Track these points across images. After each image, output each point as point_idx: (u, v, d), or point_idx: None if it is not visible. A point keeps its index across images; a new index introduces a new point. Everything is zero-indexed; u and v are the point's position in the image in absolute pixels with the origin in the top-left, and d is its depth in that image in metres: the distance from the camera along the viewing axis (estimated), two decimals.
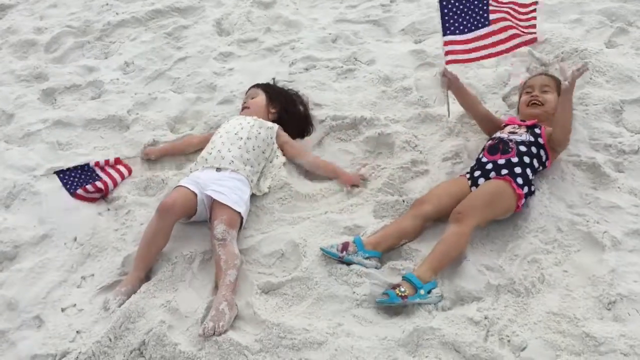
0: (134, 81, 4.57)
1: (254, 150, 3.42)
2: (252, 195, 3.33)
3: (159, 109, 4.20)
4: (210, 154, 3.38)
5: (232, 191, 3.17)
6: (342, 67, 4.25)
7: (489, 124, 3.42)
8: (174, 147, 3.83)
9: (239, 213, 3.11)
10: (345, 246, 2.85)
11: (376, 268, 2.83)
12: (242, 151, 3.37)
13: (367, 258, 2.83)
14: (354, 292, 2.72)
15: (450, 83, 3.39)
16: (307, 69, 4.27)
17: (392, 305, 2.63)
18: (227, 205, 3.08)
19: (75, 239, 3.31)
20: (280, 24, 4.94)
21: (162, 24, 5.25)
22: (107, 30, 5.24)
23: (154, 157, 3.79)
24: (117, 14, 5.44)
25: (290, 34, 4.80)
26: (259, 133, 3.49)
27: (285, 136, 3.61)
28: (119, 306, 2.85)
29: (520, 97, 3.52)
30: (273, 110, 3.76)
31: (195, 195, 3.14)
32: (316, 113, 3.86)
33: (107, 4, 5.61)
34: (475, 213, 2.86)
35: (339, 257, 2.83)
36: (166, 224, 3.06)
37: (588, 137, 3.36)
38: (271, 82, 4.07)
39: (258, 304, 2.76)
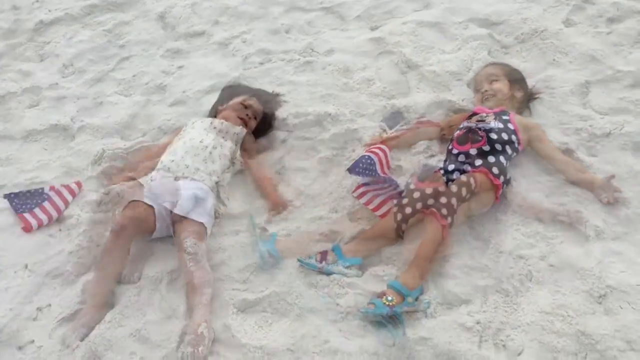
0: (75, 85, 4.23)
1: (220, 159, 3.20)
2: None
3: (105, 115, 3.90)
4: (173, 161, 3.14)
5: (193, 201, 2.95)
6: (299, 59, 4.04)
7: (451, 130, 3.26)
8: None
9: (203, 224, 2.90)
10: (324, 256, 2.70)
11: (357, 277, 2.69)
12: (208, 163, 3.15)
13: (347, 267, 2.69)
14: (338, 305, 2.58)
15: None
16: (262, 63, 4.04)
17: (379, 316, 2.50)
18: (189, 217, 2.87)
19: (26, 266, 3.02)
20: (228, 15, 4.67)
21: (99, 20, 4.88)
22: (40, 30, 4.84)
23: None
24: (49, 10, 5.03)
25: (240, 25, 4.54)
26: (225, 140, 3.26)
27: (248, 143, 3.38)
28: (81, 340, 2.61)
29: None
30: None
31: (153, 209, 2.90)
32: (277, 111, 3.65)
33: (37, 1, 5.19)
34: (454, 209, 2.75)
35: (318, 268, 2.68)
36: (121, 246, 2.81)
37: (558, 122, 3.29)
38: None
39: (236, 325, 2.58)
